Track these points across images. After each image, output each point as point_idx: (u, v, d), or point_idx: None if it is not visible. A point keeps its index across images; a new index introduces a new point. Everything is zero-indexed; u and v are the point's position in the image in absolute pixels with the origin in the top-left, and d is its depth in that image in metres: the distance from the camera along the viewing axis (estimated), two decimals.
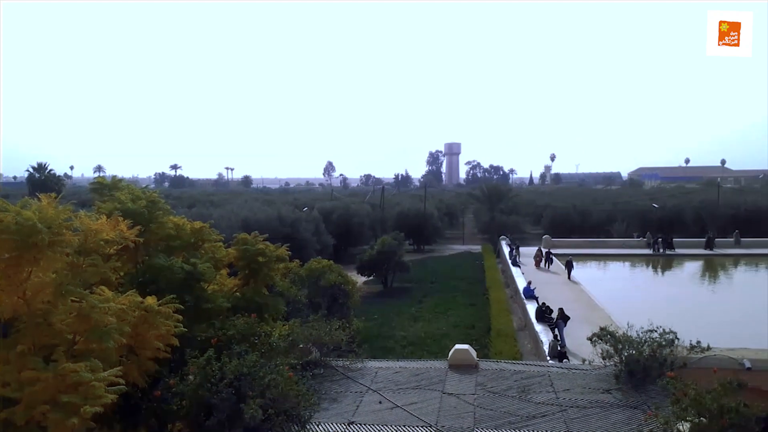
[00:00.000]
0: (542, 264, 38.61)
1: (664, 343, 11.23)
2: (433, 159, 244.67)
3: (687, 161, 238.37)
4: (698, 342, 11.86)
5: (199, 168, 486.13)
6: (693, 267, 43.83)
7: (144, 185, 38.17)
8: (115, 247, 10.95)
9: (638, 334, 11.52)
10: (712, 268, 42.59)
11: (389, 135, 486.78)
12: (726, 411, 8.16)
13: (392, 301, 33.35)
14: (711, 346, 12.11)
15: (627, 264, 45.51)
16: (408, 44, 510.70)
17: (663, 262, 44.97)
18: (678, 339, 11.55)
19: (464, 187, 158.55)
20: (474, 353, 12.96)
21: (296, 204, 61.09)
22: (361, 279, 37.45)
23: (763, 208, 58.00)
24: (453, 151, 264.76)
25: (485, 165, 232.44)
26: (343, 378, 12.49)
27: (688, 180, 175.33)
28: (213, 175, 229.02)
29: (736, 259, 44.76)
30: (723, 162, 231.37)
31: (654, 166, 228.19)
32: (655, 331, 11.46)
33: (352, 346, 14.10)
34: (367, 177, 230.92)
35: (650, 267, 44.35)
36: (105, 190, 14.51)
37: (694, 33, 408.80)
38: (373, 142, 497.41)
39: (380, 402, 11.09)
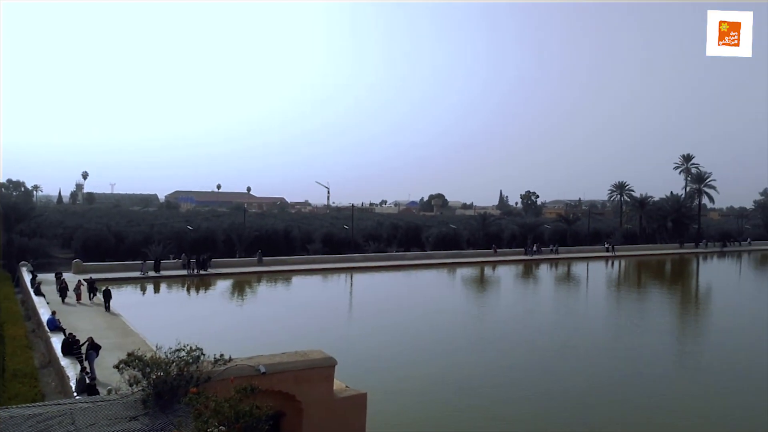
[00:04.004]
0: (88, 295, 34.71)
1: (191, 360, 11.63)
2: None
3: (219, 187, 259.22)
4: (221, 355, 12.80)
5: None
6: (223, 285, 47.93)
7: None
8: None
9: (167, 355, 11.62)
10: (239, 286, 47.48)
11: None
12: (241, 415, 9.05)
13: None
14: (233, 357, 13.21)
15: (164, 285, 46.14)
16: None
17: (197, 281, 47.64)
18: (204, 355, 12.10)
19: None
20: None
21: None
22: None
23: (280, 231, 68.64)
24: None
25: (1, 180, 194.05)
26: None
27: (219, 204, 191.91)
28: None
29: (260, 276, 51.26)
30: (249, 189, 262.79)
31: (190, 190, 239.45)
32: (183, 349, 11.78)
33: None
34: None
35: (185, 287, 46.23)
36: None
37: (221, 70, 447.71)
38: None
39: None
